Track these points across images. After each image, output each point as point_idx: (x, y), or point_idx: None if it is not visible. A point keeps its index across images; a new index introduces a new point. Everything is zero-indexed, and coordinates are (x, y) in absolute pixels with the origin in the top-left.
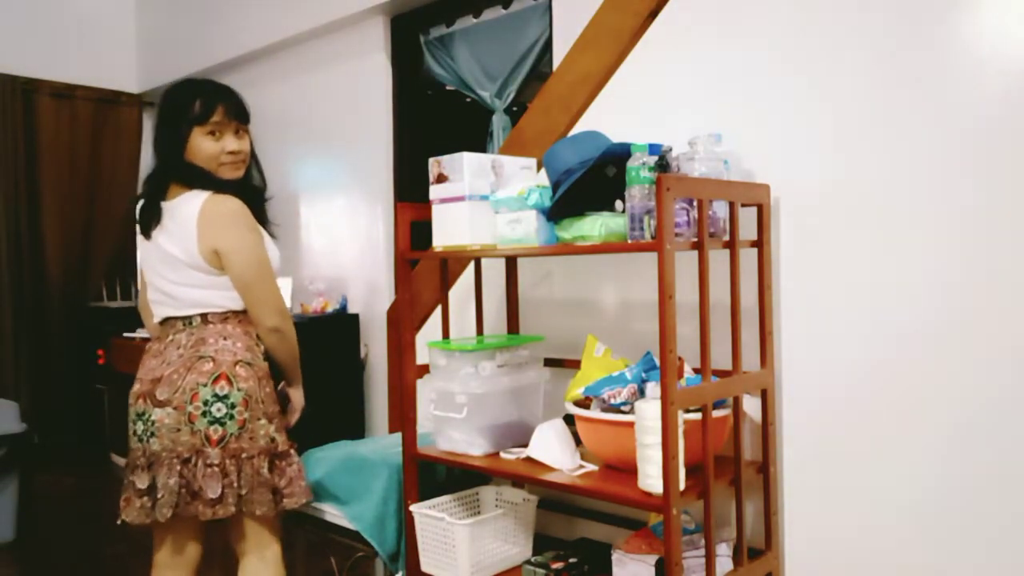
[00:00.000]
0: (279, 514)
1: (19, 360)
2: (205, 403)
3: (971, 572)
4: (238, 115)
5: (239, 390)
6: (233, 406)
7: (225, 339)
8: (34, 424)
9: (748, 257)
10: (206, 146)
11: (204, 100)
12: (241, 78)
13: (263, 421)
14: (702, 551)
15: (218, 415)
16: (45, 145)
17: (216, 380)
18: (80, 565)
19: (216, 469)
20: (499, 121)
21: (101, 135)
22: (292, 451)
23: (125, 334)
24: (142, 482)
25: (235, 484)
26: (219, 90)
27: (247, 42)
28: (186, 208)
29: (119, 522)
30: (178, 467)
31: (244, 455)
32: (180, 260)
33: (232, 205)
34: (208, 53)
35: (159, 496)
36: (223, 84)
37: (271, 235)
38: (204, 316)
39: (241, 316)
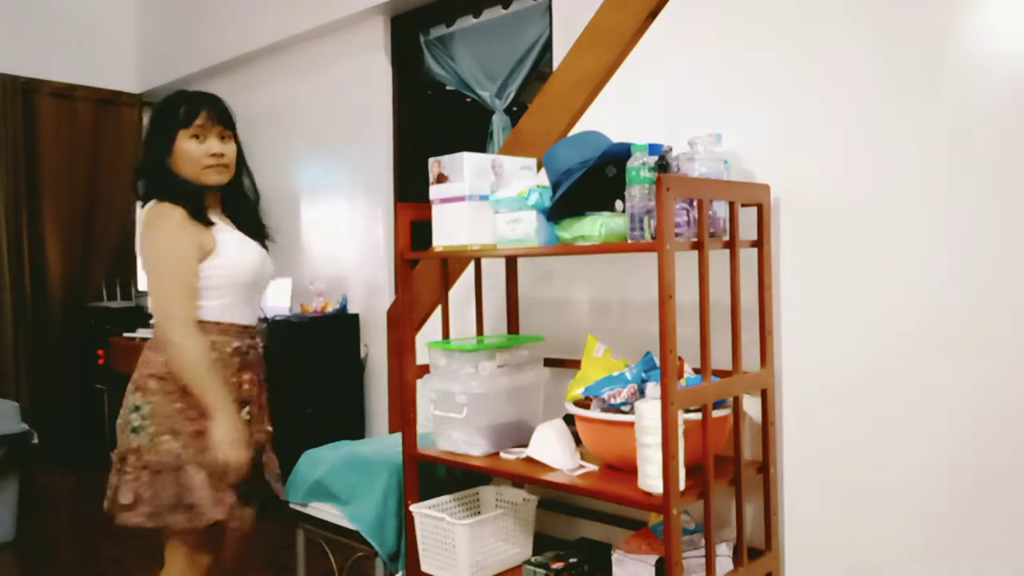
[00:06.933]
0: (194, 531)
1: (19, 360)
2: (129, 411)
3: (971, 571)
4: (222, 119)
5: (148, 403)
6: (144, 417)
7: (152, 350)
8: (34, 424)
9: (748, 257)
10: (190, 148)
11: (189, 105)
12: (241, 78)
13: (167, 436)
14: (702, 551)
15: (135, 424)
16: (45, 145)
17: (136, 390)
18: (80, 565)
19: (130, 476)
20: (499, 121)
21: (101, 135)
22: (190, 467)
23: (125, 334)
24: None
25: (144, 496)
26: (204, 96)
27: (247, 42)
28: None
29: None
30: (116, 467)
31: (153, 468)
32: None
33: (151, 211)
34: (208, 53)
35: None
36: (209, 92)
37: (261, 241)
38: (155, 325)
39: None
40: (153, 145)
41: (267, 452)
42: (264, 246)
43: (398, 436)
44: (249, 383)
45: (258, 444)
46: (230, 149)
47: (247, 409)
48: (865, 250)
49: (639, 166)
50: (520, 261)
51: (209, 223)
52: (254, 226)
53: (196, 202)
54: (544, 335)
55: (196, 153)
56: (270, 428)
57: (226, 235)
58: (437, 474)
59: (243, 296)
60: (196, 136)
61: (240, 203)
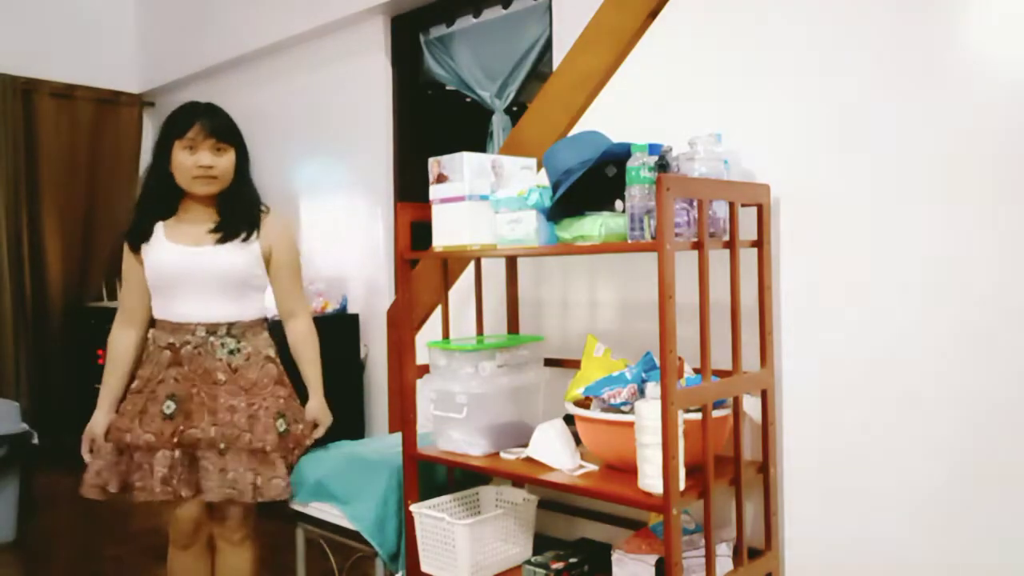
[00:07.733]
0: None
1: (19, 360)
2: None
3: (971, 572)
4: (215, 132)
5: None
6: None
7: None
8: (34, 424)
9: (748, 257)
10: (182, 159)
11: (185, 118)
12: (241, 78)
13: None
14: (702, 551)
15: None
16: (45, 145)
17: None
18: (80, 565)
19: None
20: (499, 121)
21: (101, 135)
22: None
23: None
24: None
25: None
26: (202, 109)
27: (247, 42)
28: None
29: None
30: None
31: None
32: None
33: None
34: (208, 53)
35: None
36: (214, 106)
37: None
38: None
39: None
40: (156, 153)
41: (210, 452)
42: (246, 241)
43: (398, 436)
44: (179, 379)
45: (192, 440)
46: (223, 161)
47: (168, 403)
48: (864, 250)
49: (639, 166)
50: (520, 261)
51: (139, 246)
52: (239, 230)
53: (140, 234)
54: (544, 335)
55: (187, 164)
56: (213, 429)
57: (151, 246)
58: (437, 474)
59: (169, 295)
60: (189, 148)
61: (232, 210)
